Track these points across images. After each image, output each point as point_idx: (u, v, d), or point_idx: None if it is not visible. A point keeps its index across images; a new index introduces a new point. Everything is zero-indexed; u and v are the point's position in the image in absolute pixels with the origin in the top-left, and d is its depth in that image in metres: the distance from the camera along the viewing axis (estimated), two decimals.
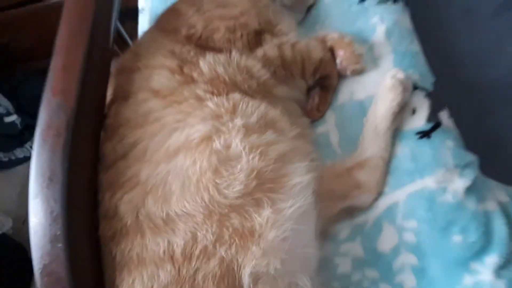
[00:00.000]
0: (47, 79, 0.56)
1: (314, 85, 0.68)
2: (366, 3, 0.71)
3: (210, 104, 0.55)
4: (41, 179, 0.51)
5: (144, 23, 0.89)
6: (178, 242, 0.49)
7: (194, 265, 0.48)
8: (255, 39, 0.65)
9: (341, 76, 0.68)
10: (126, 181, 0.53)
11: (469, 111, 0.68)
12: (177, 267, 0.48)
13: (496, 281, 0.49)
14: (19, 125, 1.85)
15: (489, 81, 0.72)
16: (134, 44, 0.70)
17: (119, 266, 0.51)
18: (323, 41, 0.68)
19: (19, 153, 1.92)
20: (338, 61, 0.67)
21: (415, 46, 0.67)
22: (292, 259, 0.50)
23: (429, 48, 0.69)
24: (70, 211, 0.50)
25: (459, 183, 0.53)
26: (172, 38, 0.65)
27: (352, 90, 0.67)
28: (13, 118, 1.86)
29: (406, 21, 0.70)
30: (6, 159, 1.91)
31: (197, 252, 0.48)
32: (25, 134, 1.89)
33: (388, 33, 0.67)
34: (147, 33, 0.70)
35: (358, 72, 0.66)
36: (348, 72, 0.67)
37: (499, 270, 0.50)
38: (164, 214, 0.50)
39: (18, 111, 1.88)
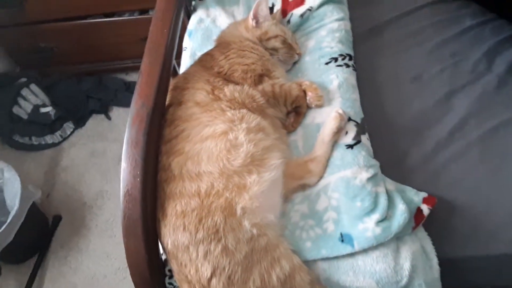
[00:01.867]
0: (135, 89, 0.95)
1: (291, 110, 1.10)
2: (329, 65, 1.14)
3: (228, 113, 0.96)
4: (130, 144, 0.90)
5: (186, 58, 1.31)
6: (203, 186, 0.88)
7: (211, 199, 0.86)
8: (259, 79, 1.07)
9: (308, 108, 1.10)
10: (176, 151, 0.93)
11: (383, 136, 1.10)
12: (201, 200, 0.87)
13: (375, 227, 0.89)
14: (52, 116, 2.21)
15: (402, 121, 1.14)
16: (184, 73, 1.11)
17: (167, 197, 0.89)
18: (300, 85, 1.10)
19: (49, 139, 2.27)
20: (307, 98, 1.08)
21: (355, 96, 1.09)
22: (265, 204, 0.89)
23: (365, 97, 1.12)
24: (145, 162, 0.88)
25: (364, 175, 0.94)
26: (208, 72, 1.06)
27: (314, 116, 1.08)
28: (48, 109, 2.22)
29: (352, 79, 1.12)
30: (37, 143, 2.27)
31: (213, 192, 0.87)
32: (56, 124, 2.25)
33: (339, 85, 1.09)
34: (193, 67, 1.12)
35: (319, 106, 1.08)
36: (313, 106, 1.08)
37: (378, 222, 0.89)
38: (196, 171, 0.89)
39: (53, 104, 2.23)
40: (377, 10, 1.37)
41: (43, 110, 2.23)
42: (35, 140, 2.26)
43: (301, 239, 0.93)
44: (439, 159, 1.05)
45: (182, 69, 1.29)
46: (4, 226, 1.64)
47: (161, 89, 0.98)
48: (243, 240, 0.85)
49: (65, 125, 2.28)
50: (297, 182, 0.99)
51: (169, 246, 0.87)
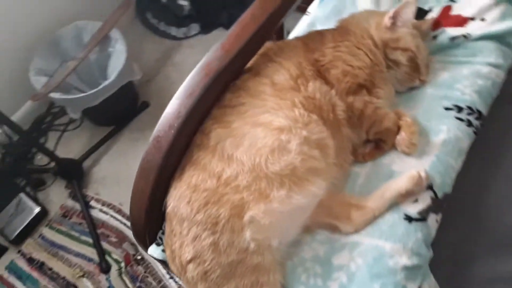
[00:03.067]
0: (223, 37, 0.85)
1: (372, 140, 0.91)
2: (448, 112, 0.91)
3: (296, 111, 0.81)
4: (185, 91, 0.82)
5: (303, 24, 1.15)
6: (227, 172, 0.77)
7: (227, 190, 0.76)
8: (355, 89, 0.88)
9: (393, 146, 0.90)
10: (224, 121, 0.82)
11: (460, 227, 0.88)
12: (218, 184, 0.77)
13: None
14: (185, 11, 2.24)
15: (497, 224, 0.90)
16: (283, 42, 0.97)
17: (191, 162, 0.81)
18: (398, 117, 0.90)
19: (174, 31, 2.33)
20: (398, 137, 0.88)
21: (456, 164, 0.87)
22: (277, 226, 0.77)
23: (469, 172, 0.88)
24: (187, 118, 0.80)
25: (403, 259, 0.76)
26: (306, 54, 0.90)
27: (394, 160, 0.89)
28: (185, 3, 2.24)
29: (465, 143, 0.88)
30: (162, 29, 2.39)
31: (233, 184, 0.77)
32: (185, 21, 2.29)
33: (445, 143, 0.87)
34: (296, 40, 0.96)
35: (405, 154, 0.88)
36: (399, 149, 0.89)
37: None
38: (230, 153, 0.78)
39: (191, 0, 2.23)
40: None
41: (180, 1, 2.27)
42: (162, 26, 2.35)
43: (298, 280, 0.81)
44: None
45: (292, 34, 1.14)
46: (92, 91, 1.75)
47: (246, 50, 0.86)
48: (236, 247, 0.76)
49: (192, 25, 2.33)
50: (330, 221, 0.84)
51: (169, 209, 0.82)
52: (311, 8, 1.18)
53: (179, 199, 0.80)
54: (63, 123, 2.07)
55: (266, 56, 0.91)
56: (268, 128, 0.80)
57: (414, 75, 0.95)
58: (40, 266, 1.70)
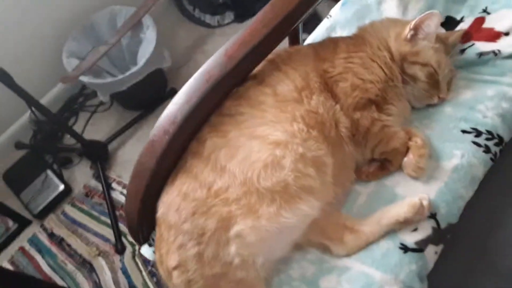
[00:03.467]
0: (227, 42, 0.82)
1: (377, 160, 0.86)
2: (465, 136, 0.84)
3: (295, 126, 0.78)
4: (184, 96, 0.80)
5: (322, 27, 1.09)
6: (218, 183, 0.75)
7: (215, 201, 0.74)
8: (363, 104, 0.83)
9: (400, 168, 0.85)
10: (221, 130, 0.80)
11: (460, 261, 0.82)
12: (207, 195, 0.75)
13: None
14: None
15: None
16: (292, 48, 0.93)
17: (184, 170, 0.80)
18: (408, 137, 0.84)
19: (208, 18, 2.32)
20: (405, 159, 0.83)
21: (466, 192, 0.80)
22: (264, 244, 0.74)
23: (478, 203, 0.82)
24: (183, 123, 0.78)
25: None
26: (316, 64, 0.86)
27: (399, 182, 0.83)
28: None
29: (479, 171, 0.81)
30: (197, 16, 2.38)
31: (222, 196, 0.75)
32: (220, 8, 2.28)
33: (456, 169, 0.80)
34: (308, 47, 0.91)
35: (411, 177, 0.83)
36: (405, 172, 0.83)
37: None
38: (224, 164, 0.76)
39: None
40: None
41: None
42: (197, 13, 2.35)
43: None
44: None
45: (310, 38, 1.09)
46: (119, 77, 1.78)
47: (253, 58, 0.83)
48: (220, 260, 0.75)
49: (226, 13, 2.32)
50: (322, 241, 0.81)
51: (159, 214, 0.82)
52: (333, 11, 1.12)
53: (169, 206, 0.79)
54: (93, 105, 2.12)
55: (273, 64, 0.87)
56: (264, 142, 0.77)
57: (432, 92, 0.88)
58: (60, 242, 1.78)
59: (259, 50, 0.82)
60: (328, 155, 0.79)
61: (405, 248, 0.75)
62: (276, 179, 0.74)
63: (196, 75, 0.81)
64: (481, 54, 0.91)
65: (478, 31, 0.94)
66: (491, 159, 0.83)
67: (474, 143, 0.83)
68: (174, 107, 0.79)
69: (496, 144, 0.83)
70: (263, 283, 0.78)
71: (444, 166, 0.82)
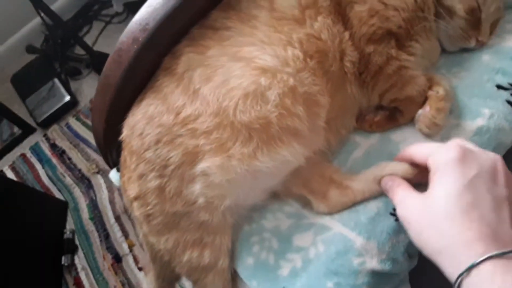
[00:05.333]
0: None
1: (385, 108, 0.71)
2: (499, 92, 0.67)
3: (290, 51, 0.63)
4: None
5: None
6: (188, 110, 0.62)
7: (182, 131, 0.62)
8: (380, 36, 0.67)
9: (411, 121, 0.70)
10: (200, 45, 0.66)
11: None
12: (174, 122, 0.63)
13: None
14: None
15: None
16: None
17: (153, 89, 0.67)
18: (428, 86, 0.68)
19: None
20: (420, 111, 0.68)
21: None
22: (232, 185, 0.63)
23: None
24: (158, 29, 0.64)
25: (373, 263, 0.60)
26: None
27: (405, 139, 0.69)
28: None
29: (508, 138, 0.66)
30: None
31: (190, 126, 0.62)
32: None
33: (480, 131, 0.65)
34: None
35: (423, 134, 0.68)
36: (417, 126, 0.69)
37: None
38: (197, 87, 0.62)
39: None
40: None
41: None
42: None
43: (249, 249, 0.70)
44: None
45: None
46: None
47: None
48: (183, 198, 0.65)
49: None
50: (303, 193, 0.70)
51: (123, 135, 0.71)
52: None
53: (133, 129, 0.68)
54: (109, 14, 2.00)
55: None
56: (248, 66, 0.63)
57: (471, 32, 0.70)
58: (61, 154, 1.75)
59: None
60: (325, 94, 0.65)
61: (395, 215, 0.62)
62: (256, 113, 0.61)
63: None
64: None
65: None
66: None
67: (509, 102, 0.67)
68: (147, 10, 0.65)
69: None
70: (230, 230, 0.69)
71: (465, 126, 0.66)
